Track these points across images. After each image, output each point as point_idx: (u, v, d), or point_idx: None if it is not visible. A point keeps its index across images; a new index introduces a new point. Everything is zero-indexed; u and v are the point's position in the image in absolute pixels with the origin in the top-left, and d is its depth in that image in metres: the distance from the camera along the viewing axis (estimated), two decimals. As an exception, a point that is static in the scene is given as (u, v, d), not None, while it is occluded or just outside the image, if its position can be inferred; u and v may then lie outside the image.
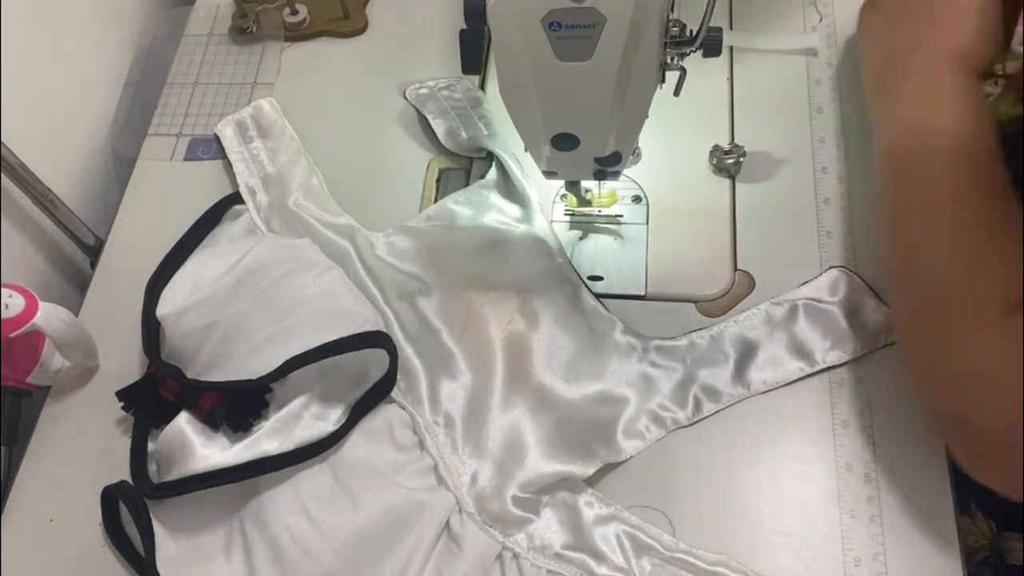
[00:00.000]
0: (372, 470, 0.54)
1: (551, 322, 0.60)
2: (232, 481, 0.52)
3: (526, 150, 0.57)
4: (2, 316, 0.53)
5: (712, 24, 0.49)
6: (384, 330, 0.57)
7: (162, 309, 0.59)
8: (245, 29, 0.77)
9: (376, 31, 0.78)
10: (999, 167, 0.52)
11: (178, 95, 0.75)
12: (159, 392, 0.56)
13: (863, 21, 0.64)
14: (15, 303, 0.53)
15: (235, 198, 0.68)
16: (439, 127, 0.70)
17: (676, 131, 0.67)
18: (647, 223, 0.65)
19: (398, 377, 0.57)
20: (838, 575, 0.51)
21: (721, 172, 0.66)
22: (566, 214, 0.66)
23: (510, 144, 0.67)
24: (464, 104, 0.71)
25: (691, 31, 0.50)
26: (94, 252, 0.71)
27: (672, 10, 0.50)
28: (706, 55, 0.51)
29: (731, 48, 0.72)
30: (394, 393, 0.57)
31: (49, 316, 0.55)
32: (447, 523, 0.53)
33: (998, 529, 0.58)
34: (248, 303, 0.57)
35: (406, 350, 0.59)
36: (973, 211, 0.51)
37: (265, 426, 0.53)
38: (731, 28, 0.73)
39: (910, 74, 0.58)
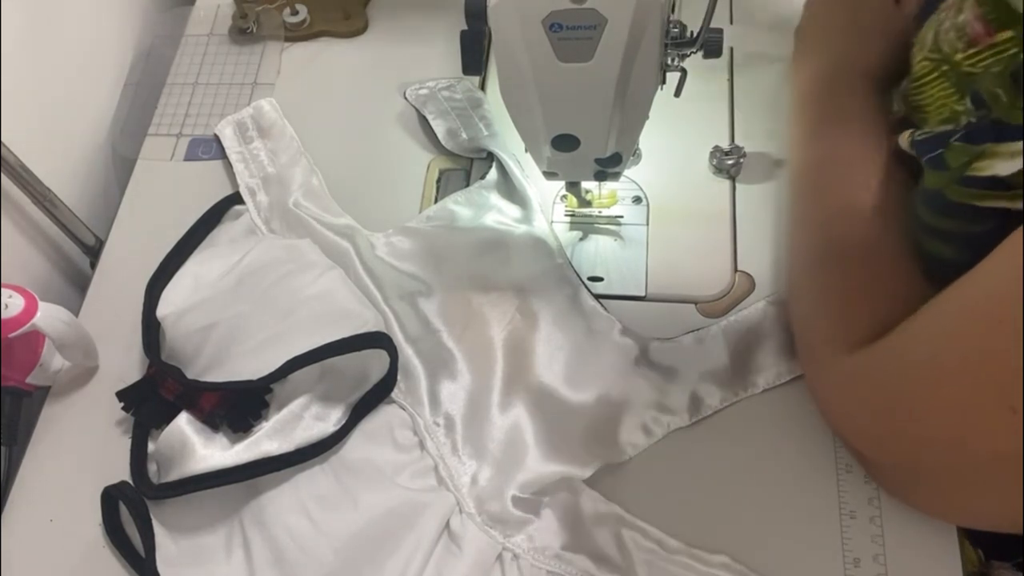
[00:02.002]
0: (372, 471, 0.54)
1: (551, 323, 0.60)
2: (232, 482, 0.52)
3: (526, 151, 0.57)
4: (2, 316, 0.53)
5: (713, 25, 0.49)
6: (384, 331, 0.57)
7: (162, 309, 0.59)
8: (245, 29, 0.77)
9: (376, 31, 0.78)
10: (889, 200, 0.52)
11: (178, 95, 0.75)
12: (159, 392, 0.56)
13: (794, 47, 0.66)
14: (15, 303, 0.53)
15: (235, 198, 0.68)
16: (439, 127, 0.70)
17: (676, 132, 0.67)
18: (647, 224, 0.65)
19: (398, 378, 0.57)
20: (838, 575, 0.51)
21: (721, 173, 0.66)
22: (566, 215, 0.66)
23: (510, 145, 0.67)
24: (464, 105, 0.71)
25: (691, 32, 0.50)
26: (94, 252, 0.70)
27: (673, 11, 0.50)
28: (707, 56, 0.51)
29: (731, 49, 0.72)
30: (394, 394, 0.57)
31: (49, 316, 0.55)
32: (447, 524, 0.53)
33: (986, 558, 0.58)
34: (248, 304, 0.57)
35: (406, 351, 0.59)
36: (841, 246, 0.53)
37: (265, 427, 0.53)
38: (731, 28, 0.73)
39: (819, 103, 0.60)
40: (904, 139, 0.51)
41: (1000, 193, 0.43)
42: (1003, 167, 0.42)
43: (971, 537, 0.56)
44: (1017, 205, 0.42)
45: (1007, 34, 0.45)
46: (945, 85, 0.49)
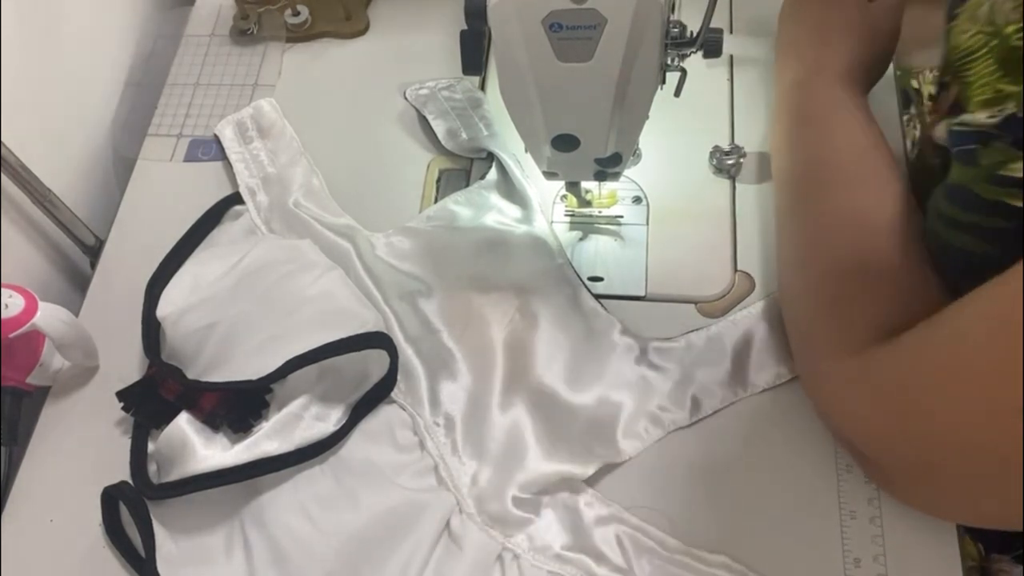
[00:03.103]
0: (372, 471, 0.54)
1: (551, 323, 0.60)
2: (232, 482, 0.52)
3: (526, 151, 0.57)
4: (2, 316, 0.53)
5: (712, 26, 0.49)
6: (384, 331, 0.58)
7: (162, 310, 0.59)
8: (246, 30, 0.77)
9: (377, 32, 0.78)
10: (878, 196, 0.52)
11: (179, 96, 0.75)
12: (159, 392, 0.56)
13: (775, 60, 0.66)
14: (15, 303, 0.53)
15: (235, 199, 0.68)
16: (439, 127, 0.70)
17: (676, 132, 0.67)
18: (647, 224, 0.65)
19: (398, 378, 0.57)
20: (838, 576, 0.51)
21: (721, 173, 0.66)
22: (566, 215, 0.66)
23: (510, 145, 0.67)
24: (464, 105, 0.71)
25: (691, 32, 0.50)
26: (94, 252, 0.70)
27: (673, 11, 0.50)
28: (707, 56, 0.51)
29: (731, 57, 0.71)
30: (394, 394, 0.57)
31: (49, 316, 0.55)
32: (447, 524, 0.53)
33: (987, 552, 0.58)
34: (249, 304, 0.57)
35: (406, 351, 0.59)
36: (832, 248, 0.52)
37: (265, 427, 0.53)
38: (731, 30, 0.73)
39: (795, 108, 0.60)
40: (940, 129, 0.48)
41: None
42: None
43: (971, 531, 0.56)
44: None
45: None
46: (991, 62, 0.46)
